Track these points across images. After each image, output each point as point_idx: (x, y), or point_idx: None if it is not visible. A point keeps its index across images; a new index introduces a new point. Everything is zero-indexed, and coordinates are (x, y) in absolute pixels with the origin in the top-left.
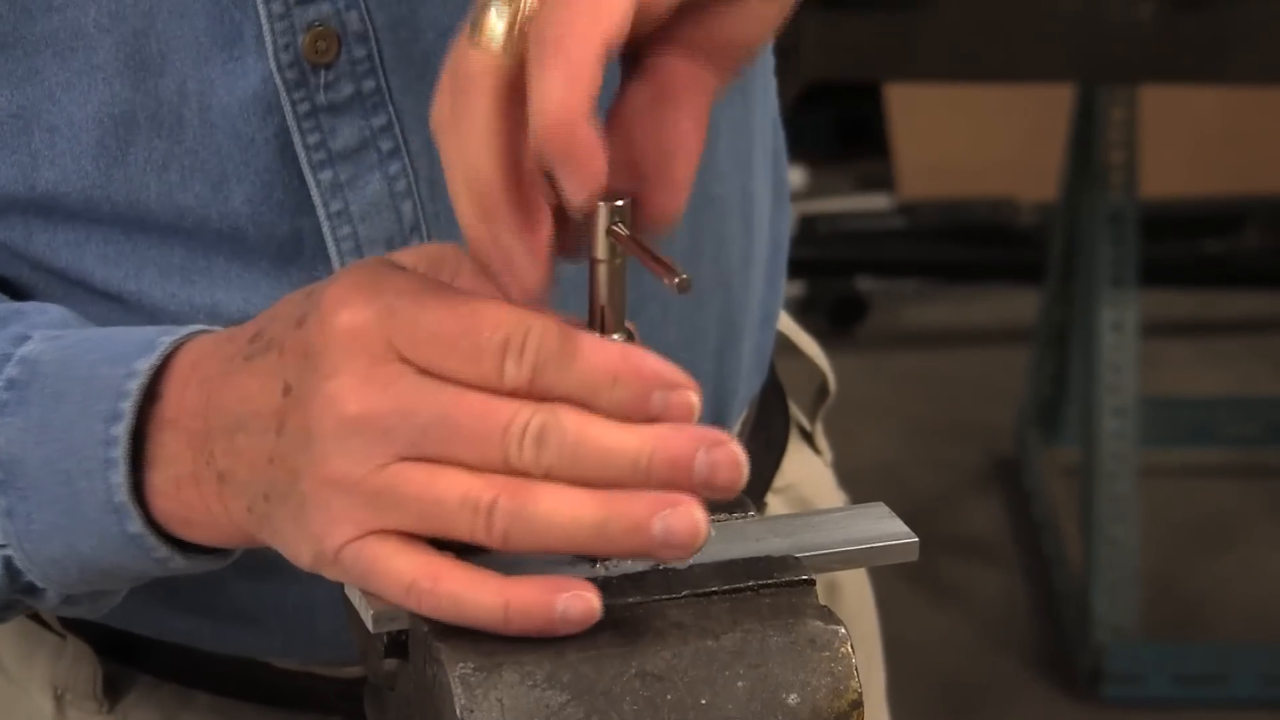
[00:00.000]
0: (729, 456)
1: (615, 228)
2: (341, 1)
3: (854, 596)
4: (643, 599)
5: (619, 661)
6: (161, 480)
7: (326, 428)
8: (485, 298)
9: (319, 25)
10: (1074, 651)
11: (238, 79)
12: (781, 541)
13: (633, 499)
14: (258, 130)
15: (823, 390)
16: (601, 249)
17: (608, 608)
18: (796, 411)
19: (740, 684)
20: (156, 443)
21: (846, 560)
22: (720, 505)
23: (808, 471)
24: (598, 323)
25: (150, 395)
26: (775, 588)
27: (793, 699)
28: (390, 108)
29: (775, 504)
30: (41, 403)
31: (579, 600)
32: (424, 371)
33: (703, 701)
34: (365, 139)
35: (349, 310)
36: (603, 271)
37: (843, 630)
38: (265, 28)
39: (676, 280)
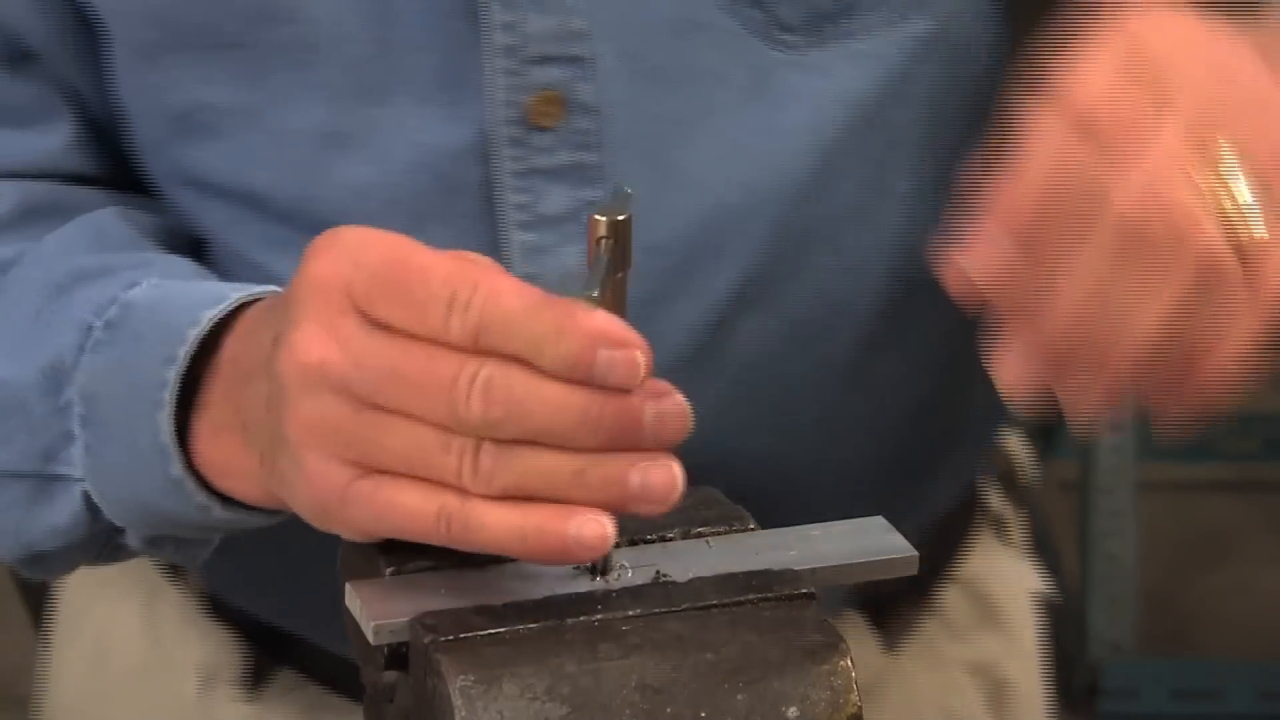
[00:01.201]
0: (676, 407)
1: (608, 241)
2: (576, 72)
3: (1026, 696)
4: (643, 612)
5: (619, 674)
6: (203, 425)
7: (292, 375)
8: (443, 255)
9: (548, 90)
10: (1070, 666)
11: (456, 124)
12: (781, 555)
13: (608, 455)
14: (466, 179)
15: (1015, 473)
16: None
17: (608, 621)
18: (991, 495)
19: (740, 697)
20: (206, 389)
21: (846, 574)
22: (720, 519)
23: (993, 562)
24: None
25: (212, 345)
26: (775, 601)
27: (792, 712)
28: (607, 184)
29: (952, 595)
30: (124, 343)
31: (592, 523)
32: (379, 325)
33: (702, 715)
34: (574, 210)
35: (318, 261)
36: (606, 286)
37: (843, 644)
38: (496, 81)
39: None
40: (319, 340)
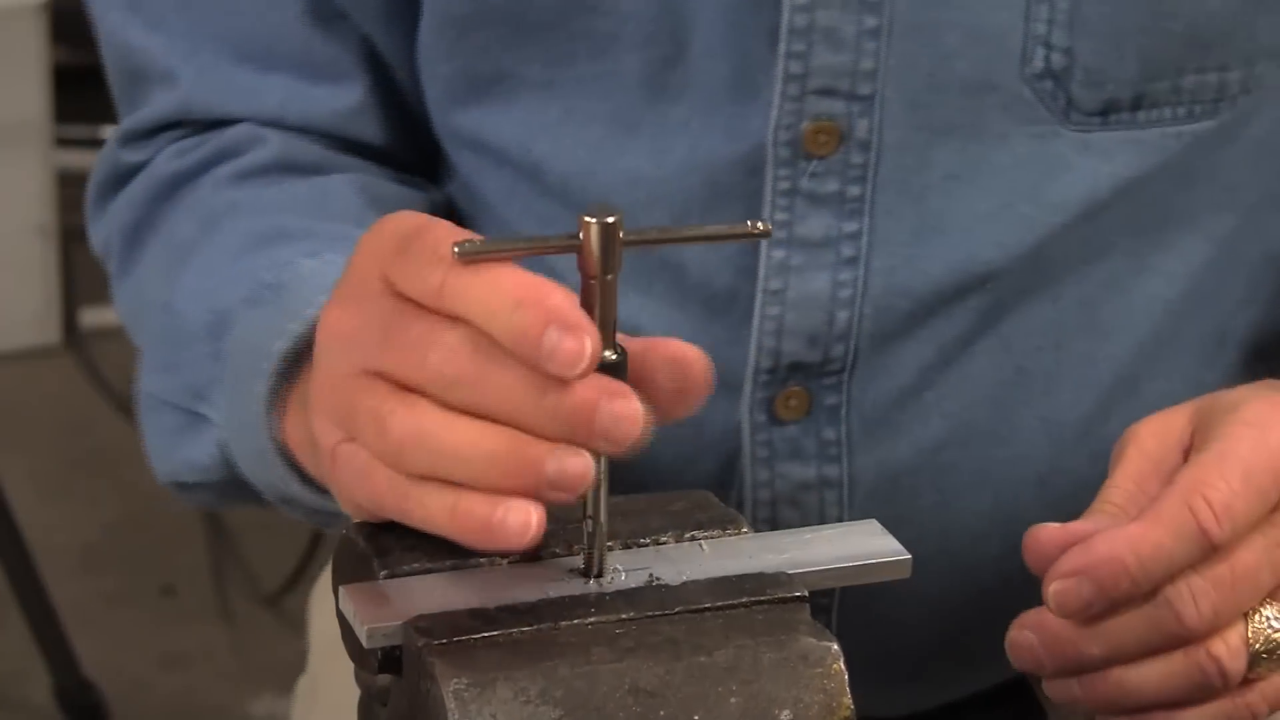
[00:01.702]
0: (630, 410)
1: (627, 235)
2: (856, 107)
3: None
4: (636, 615)
5: (612, 677)
6: (290, 402)
7: (319, 339)
8: (456, 229)
9: (826, 120)
10: None
11: (736, 135)
12: (774, 558)
13: (529, 438)
14: (733, 188)
15: None
16: (595, 265)
17: (601, 624)
18: None
19: (733, 700)
20: (304, 367)
21: (839, 577)
22: (713, 522)
23: None
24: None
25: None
26: (768, 604)
27: (785, 715)
28: (866, 219)
29: None
30: (272, 306)
31: (518, 510)
32: (396, 292)
33: (695, 718)
34: (830, 238)
35: (367, 235)
36: (596, 288)
37: (835, 646)
38: (775, 104)
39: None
40: (341, 303)
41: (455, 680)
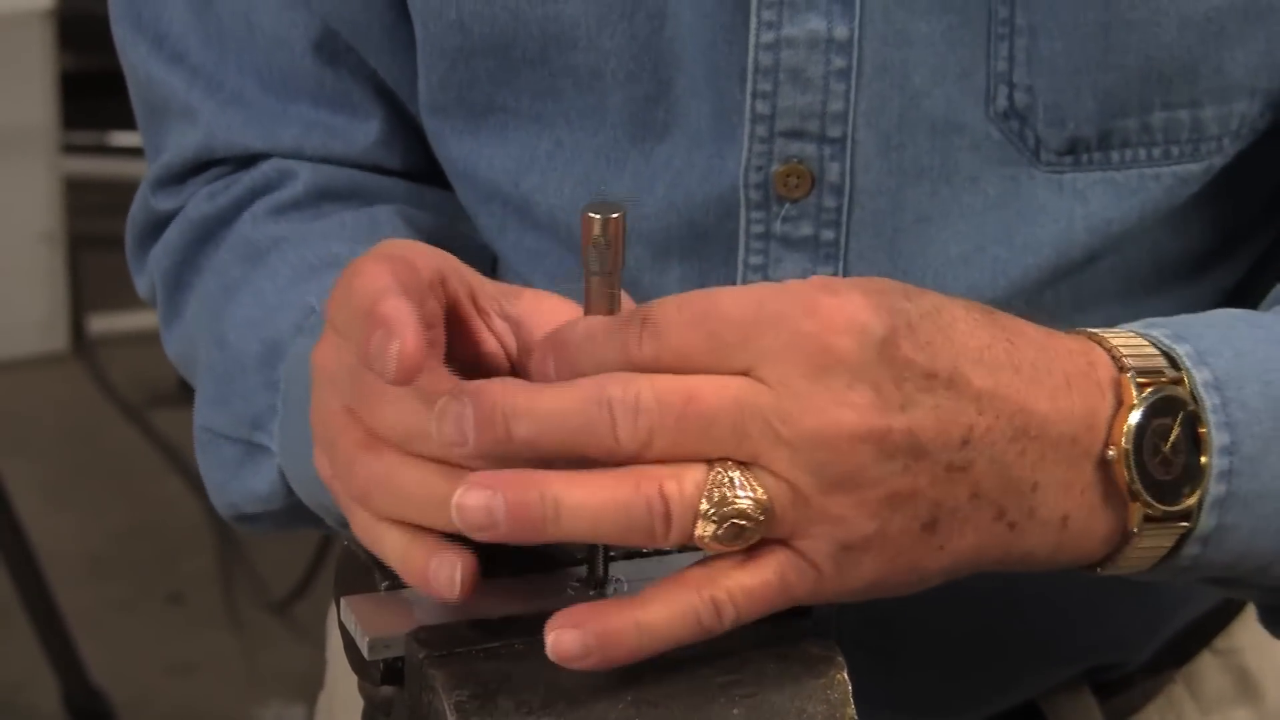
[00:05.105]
0: (457, 411)
1: (600, 240)
2: (828, 150)
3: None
4: None
5: (614, 689)
6: None
7: (311, 367)
8: (379, 268)
9: (797, 161)
10: None
11: (714, 174)
12: None
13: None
14: (711, 226)
15: None
16: (595, 261)
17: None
18: None
19: (735, 711)
20: None
21: None
22: None
23: (1259, 639)
24: None
25: None
26: (771, 615)
27: None
28: (841, 264)
29: (1208, 665)
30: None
31: (447, 565)
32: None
33: None
34: None
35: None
36: (595, 284)
37: (839, 657)
38: (745, 145)
39: None
40: (325, 339)
41: (457, 692)
